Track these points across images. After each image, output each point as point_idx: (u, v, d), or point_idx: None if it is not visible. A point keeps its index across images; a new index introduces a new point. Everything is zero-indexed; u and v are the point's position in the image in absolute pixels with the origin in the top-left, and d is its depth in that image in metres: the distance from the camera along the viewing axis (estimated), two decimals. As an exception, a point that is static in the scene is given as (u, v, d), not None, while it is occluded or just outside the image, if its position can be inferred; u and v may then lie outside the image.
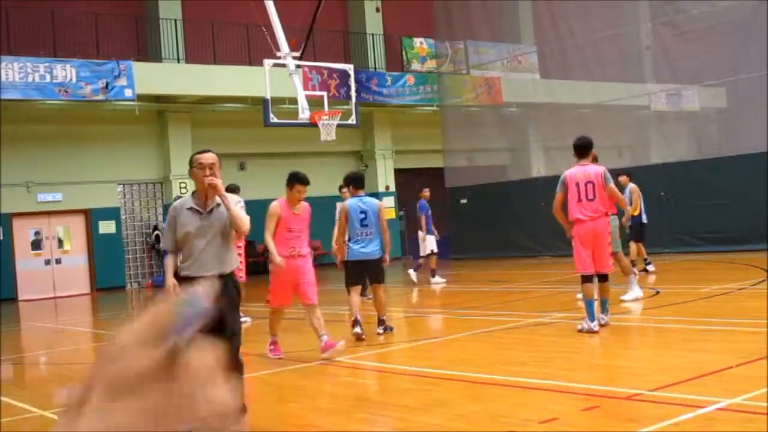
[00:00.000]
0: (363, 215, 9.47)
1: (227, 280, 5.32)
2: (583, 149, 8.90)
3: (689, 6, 20.66)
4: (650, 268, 14.70)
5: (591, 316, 8.46)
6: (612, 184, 8.74)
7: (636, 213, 14.59)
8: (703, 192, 18.29)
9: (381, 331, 9.61)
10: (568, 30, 23.20)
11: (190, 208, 5.45)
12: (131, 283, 23.16)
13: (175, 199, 6.07)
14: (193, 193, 5.56)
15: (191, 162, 5.46)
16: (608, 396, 5.78)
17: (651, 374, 6.32)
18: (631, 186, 14.59)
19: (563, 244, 15.04)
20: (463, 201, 23.23)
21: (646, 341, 8.04)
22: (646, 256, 14.78)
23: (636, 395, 5.62)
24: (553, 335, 9.38)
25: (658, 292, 11.74)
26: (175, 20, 22.92)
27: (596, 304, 8.64)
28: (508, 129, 25.60)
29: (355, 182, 10.03)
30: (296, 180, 8.20)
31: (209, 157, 5.44)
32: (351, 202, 9.71)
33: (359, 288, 9.76)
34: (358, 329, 9.25)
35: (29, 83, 19.35)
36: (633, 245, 14.62)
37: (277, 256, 7.90)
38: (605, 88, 22.57)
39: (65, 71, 19.82)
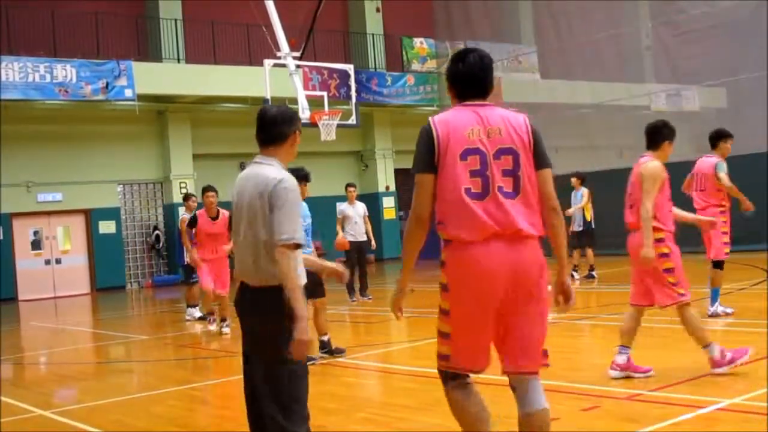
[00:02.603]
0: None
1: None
2: (711, 139, 9.01)
3: (689, 6, 20.66)
4: (575, 276, 14.61)
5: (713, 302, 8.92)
6: (722, 174, 8.72)
7: (588, 218, 14.69)
8: (703, 192, 18.26)
9: (316, 358, 7.96)
10: (568, 30, 23.21)
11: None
12: (131, 283, 23.16)
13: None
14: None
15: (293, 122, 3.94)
16: (608, 396, 5.78)
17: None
18: (584, 189, 14.70)
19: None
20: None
21: (646, 341, 8.03)
22: (576, 263, 14.75)
23: (636, 395, 5.62)
24: (553, 335, 9.35)
25: (658, 292, 11.73)
26: (176, 20, 22.92)
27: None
28: (508, 129, 25.58)
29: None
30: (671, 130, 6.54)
31: None
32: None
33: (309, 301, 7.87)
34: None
35: (29, 83, 19.36)
36: (589, 251, 14.72)
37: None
38: (605, 88, 22.57)
39: (65, 71, 19.82)
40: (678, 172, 20.50)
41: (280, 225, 3.65)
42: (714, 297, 8.95)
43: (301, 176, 7.18)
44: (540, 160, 3.62)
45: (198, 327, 12.36)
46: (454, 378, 3.68)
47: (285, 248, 3.61)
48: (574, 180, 14.94)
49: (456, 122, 3.55)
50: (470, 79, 3.66)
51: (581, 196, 14.75)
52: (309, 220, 7.70)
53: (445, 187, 3.49)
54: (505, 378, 6.41)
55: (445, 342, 3.61)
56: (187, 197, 13.41)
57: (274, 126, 3.83)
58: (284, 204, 3.66)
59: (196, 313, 12.97)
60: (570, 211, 14.56)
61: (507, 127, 3.57)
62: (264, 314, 3.69)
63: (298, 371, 3.66)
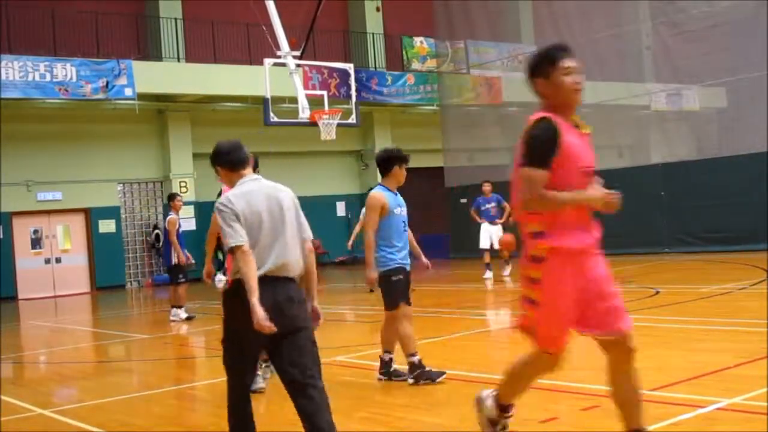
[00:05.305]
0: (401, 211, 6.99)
1: None
2: None
3: (689, 6, 20.65)
4: None
5: None
6: None
7: None
8: (703, 192, 18.28)
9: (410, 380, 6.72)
10: (568, 30, 23.17)
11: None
12: (131, 282, 23.16)
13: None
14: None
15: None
16: (608, 396, 5.77)
17: (651, 374, 6.31)
18: None
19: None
20: (463, 201, 23.23)
21: (646, 341, 8.03)
22: None
23: (636, 395, 5.61)
24: (553, 335, 9.37)
25: (657, 292, 11.75)
26: (176, 19, 22.92)
27: None
28: (508, 129, 25.56)
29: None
30: None
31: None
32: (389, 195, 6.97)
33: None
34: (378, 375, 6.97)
35: (29, 82, 19.36)
36: None
37: None
38: (605, 88, 22.56)
39: (65, 70, 19.82)
40: (679, 171, 20.54)
41: (308, 227, 4.64)
42: None
43: (403, 157, 6.91)
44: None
45: (185, 328, 12.37)
46: None
47: (311, 244, 4.65)
48: None
49: None
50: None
51: None
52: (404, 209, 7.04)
53: None
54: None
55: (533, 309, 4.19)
56: (172, 197, 13.41)
57: (242, 150, 4.62)
58: (300, 210, 4.66)
59: (182, 314, 12.95)
60: None
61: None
62: (303, 299, 4.51)
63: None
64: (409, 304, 6.86)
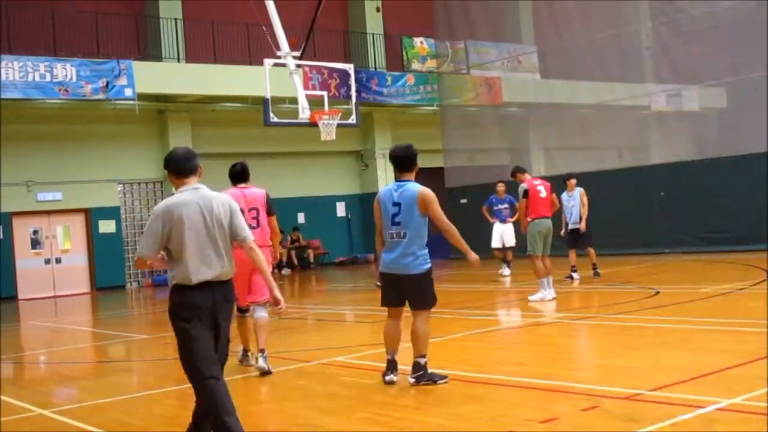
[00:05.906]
0: (396, 208, 6.64)
1: None
2: None
3: (689, 6, 20.66)
4: (575, 276, 14.58)
5: None
6: None
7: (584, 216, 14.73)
8: (703, 192, 18.29)
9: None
10: (568, 30, 23.20)
11: None
12: (131, 282, 23.16)
13: None
14: None
15: None
16: (608, 396, 5.78)
17: (651, 374, 6.32)
18: (581, 189, 14.74)
19: (562, 244, 15.07)
20: (463, 201, 23.23)
21: (646, 341, 8.04)
22: (574, 264, 14.74)
23: (636, 395, 5.62)
24: (553, 335, 9.38)
25: (658, 293, 11.75)
26: (176, 19, 22.92)
27: None
28: (508, 129, 25.59)
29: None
30: None
31: None
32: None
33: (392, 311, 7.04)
34: (391, 377, 6.75)
35: (29, 82, 19.36)
36: (591, 249, 14.81)
37: None
38: (605, 88, 22.57)
39: (65, 70, 19.82)
40: (679, 171, 20.52)
41: (245, 228, 4.96)
42: None
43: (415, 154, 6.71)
44: (269, 212, 7.76)
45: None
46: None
47: (252, 243, 4.98)
48: (572, 182, 14.93)
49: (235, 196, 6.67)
50: (241, 173, 7.81)
51: (578, 196, 14.78)
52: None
53: None
54: (503, 377, 6.43)
55: None
56: None
57: (191, 160, 4.90)
58: (239, 213, 4.98)
59: None
60: (582, 212, 14.66)
61: (253, 197, 7.62)
62: (234, 298, 5.06)
63: None
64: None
